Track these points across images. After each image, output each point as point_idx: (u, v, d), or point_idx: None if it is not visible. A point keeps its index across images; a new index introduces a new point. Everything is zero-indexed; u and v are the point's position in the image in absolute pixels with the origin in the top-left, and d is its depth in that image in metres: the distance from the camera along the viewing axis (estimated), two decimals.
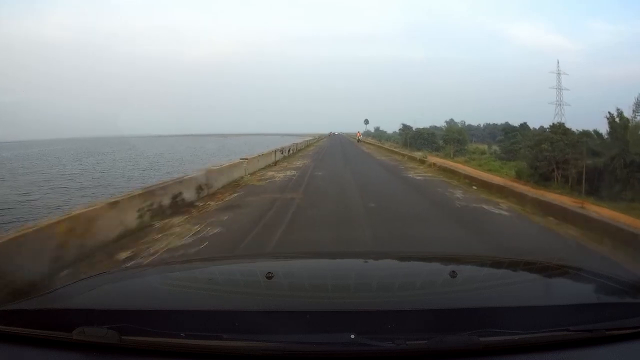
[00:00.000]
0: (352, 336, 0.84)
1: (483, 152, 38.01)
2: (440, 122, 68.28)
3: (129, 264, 3.74)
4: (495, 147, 43.90)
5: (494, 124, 69.96)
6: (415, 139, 41.82)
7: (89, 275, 1.48)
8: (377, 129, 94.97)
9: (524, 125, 42.78)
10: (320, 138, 60.58)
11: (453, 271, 1.37)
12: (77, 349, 0.87)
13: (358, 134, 46.45)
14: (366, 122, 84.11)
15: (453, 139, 40.21)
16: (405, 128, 53.81)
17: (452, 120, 73.06)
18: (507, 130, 43.00)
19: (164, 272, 1.49)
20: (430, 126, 54.09)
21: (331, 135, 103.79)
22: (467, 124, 70.16)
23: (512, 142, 34.72)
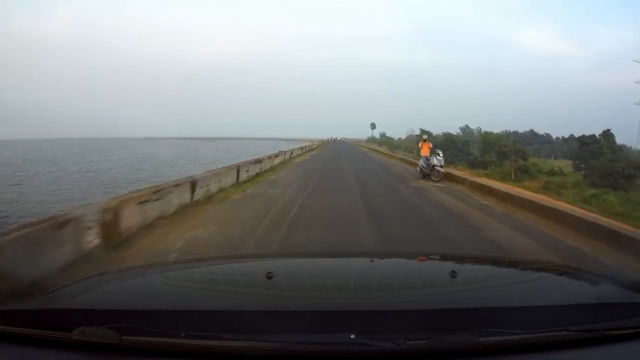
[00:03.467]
0: (352, 336, 0.84)
1: (552, 171, 25.51)
2: (453, 129, 59.67)
3: (129, 264, 3.71)
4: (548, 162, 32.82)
5: (515, 131, 59.67)
6: (445, 149, 28.30)
7: (89, 275, 1.48)
8: (382, 135, 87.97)
9: (607, 134, 32.26)
10: (311, 148, 38.57)
11: (453, 271, 1.37)
12: (77, 349, 0.87)
13: (425, 148, 13.07)
14: (373, 126, 78.53)
15: (515, 150, 27.28)
16: (424, 134, 43.41)
17: (467, 126, 65.06)
18: (585, 141, 31.59)
19: (164, 272, 1.50)
20: (444, 133, 44.33)
21: (331, 143, 75.32)
22: (483, 131, 59.54)
23: (610, 160, 24.62)
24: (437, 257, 1.90)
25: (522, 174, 22.52)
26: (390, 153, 32.87)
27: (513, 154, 26.88)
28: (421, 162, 12.70)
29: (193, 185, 7.25)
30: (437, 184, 11.06)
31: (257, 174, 12.52)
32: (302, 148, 33.12)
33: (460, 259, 1.84)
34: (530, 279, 1.40)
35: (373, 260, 1.70)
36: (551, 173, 25.35)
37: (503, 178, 15.40)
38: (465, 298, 1.14)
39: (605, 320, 0.95)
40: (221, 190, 8.69)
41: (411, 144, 47.89)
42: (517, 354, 0.87)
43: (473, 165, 25.89)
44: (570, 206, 7.06)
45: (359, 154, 34.52)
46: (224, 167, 10.51)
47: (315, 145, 45.75)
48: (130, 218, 4.95)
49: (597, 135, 32.64)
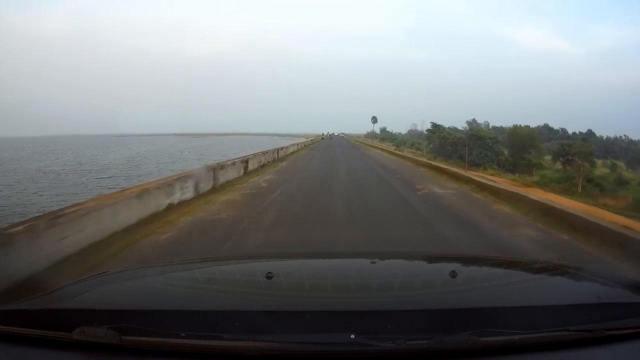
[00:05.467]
0: (352, 336, 0.84)
1: (621, 180, 19.22)
2: (459, 123, 55.64)
3: (130, 264, 3.69)
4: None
5: (526, 125, 47.48)
6: (471, 147, 20.47)
7: (90, 275, 1.48)
8: (383, 130, 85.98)
9: None
10: (286, 154, 21.34)
11: (453, 271, 1.37)
12: (77, 349, 0.87)
13: None
14: (374, 120, 76.01)
15: (586, 152, 19.75)
16: (436, 128, 32.72)
17: (474, 120, 59.62)
18: None
19: (164, 272, 1.49)
20: (450, 127, 38.44)
21: (326, 139, 63.27)
22: (491, 125, 54.08)
23: None
24: (437, 257, 1.90)
25: (586, 182, 16.70)
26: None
27: (581, 157, 18.40)
28: None
29: None
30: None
31: None
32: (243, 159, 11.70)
33: (460, 259, 1.84)
34: (530, 279, 1.40)
35: (373, 261, 1.69)
36: (619, 182, 18.90)
37: (566, 191, 11.02)
38: (465, 298, 1.13)
39: (605, 320, 0.95)
40: None
41: (418, 140, 41.22)
42: (517, 354, 0.87)
43: (503, 167, 20.26)
44: None
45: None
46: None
47: (293, 149, 25.86)
48: None
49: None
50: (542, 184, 10.92)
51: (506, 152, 26.92)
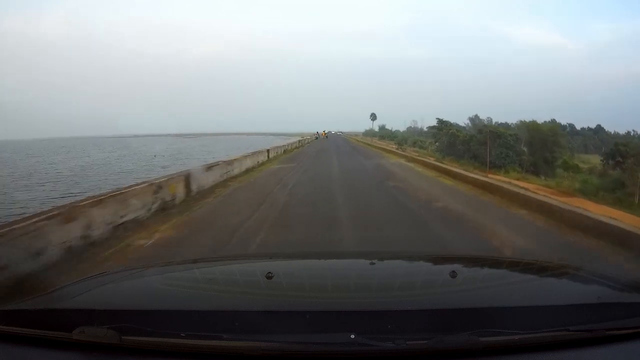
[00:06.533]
0: (352, 336, 0.84)
1: None
2: (460, 119, 51.92)
3: (130, 264, 3.71)
4: None
5: (533, 121, 37.02)
6: (490, 147, 17.93)
7: (90, 275, 1.48)
8: (382, 127, 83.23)
9: None
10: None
11: (453, 271, 1.37)
12: (77, 349, 0.87)
13: None
14: (373, 117, 73.48)
15: (638, 154, 16.60)
16: (443, 125, 29.81)
17: (477, 116, 56.38)
18: None
19: (164, 272, 1.49)
20: (453, 124, 33.82)
21: (321, 139, 51.49)
22: (494, 121, 48.84)
23: None
24: (437, 257, 1.90)
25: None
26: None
27: (638, 160, 15.25)
28: None
29: None
30: None
31: None
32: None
33: (460, 259, 1.84)
34: (530, 279, 1.40)
35: (373, 261, 1.69)
36: None
37: (620, 202, 9.22)
38: (465, 298, 1.13)
39: (605, 320, 0.95)
40: None
41: (420, 138, 39.10)
42: (517, 354, 0.87)
43: (524, 168, 18.18)
44: None
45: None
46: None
47: (259, 159, 15.15)
48: None
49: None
50: (586, 192, 9.04)
51: (526, 150, 24.54)
